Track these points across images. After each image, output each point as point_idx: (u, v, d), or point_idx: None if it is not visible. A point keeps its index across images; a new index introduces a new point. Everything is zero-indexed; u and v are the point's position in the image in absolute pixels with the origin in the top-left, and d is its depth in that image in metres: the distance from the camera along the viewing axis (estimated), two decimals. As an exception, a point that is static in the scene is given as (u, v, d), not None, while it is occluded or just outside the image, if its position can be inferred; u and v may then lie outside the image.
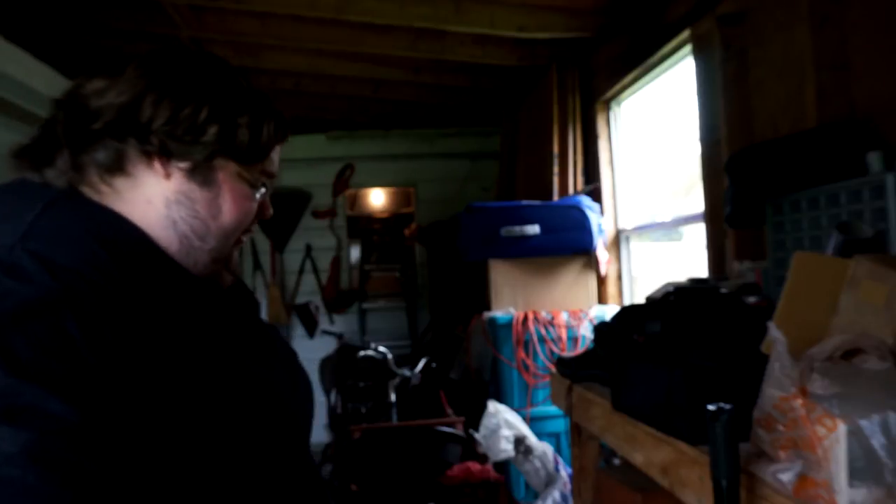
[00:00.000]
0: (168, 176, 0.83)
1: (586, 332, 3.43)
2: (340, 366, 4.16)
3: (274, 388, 0.90)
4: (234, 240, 0.90)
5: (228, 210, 0.86)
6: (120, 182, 0.83)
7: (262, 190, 0.91)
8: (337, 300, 5.97)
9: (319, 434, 4.68)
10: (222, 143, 0.84)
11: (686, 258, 3.47)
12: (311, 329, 5.86)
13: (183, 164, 0.83)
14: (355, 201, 6.76)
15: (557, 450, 3.28)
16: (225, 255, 0.90)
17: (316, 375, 4.73)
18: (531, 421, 3.31)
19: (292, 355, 0.99)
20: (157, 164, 0.82)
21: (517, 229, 3.55)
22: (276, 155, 0.92)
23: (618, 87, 3.59)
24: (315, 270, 5.98)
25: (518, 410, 3.28)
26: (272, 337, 0.97)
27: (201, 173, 0.84)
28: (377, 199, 7.06)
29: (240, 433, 0.80)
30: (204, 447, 0.76)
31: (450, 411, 3.81)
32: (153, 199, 0.83)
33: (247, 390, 0.84)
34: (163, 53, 0.87)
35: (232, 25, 3.91)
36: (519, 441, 3.02)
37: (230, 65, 0.89)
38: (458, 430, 3.45)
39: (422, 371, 3.95)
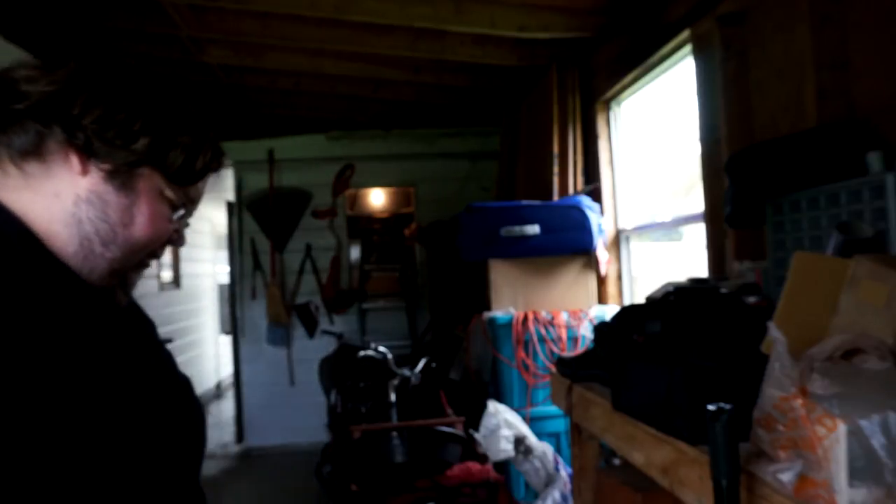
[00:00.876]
0: (84, 173, 0.78)
1: (586, 332, 3.43)
2: (340, 366, 4.15)
3: (157, 414, 0.81)
4: (139, 259, 0.84)
5: (142, 223, 0.82)
6: (32, 167, 0.77)
7: (181, 212, 0.86)
8: (337, 300, 5.98)
9: (319, 434, 4.68)
10: (152, 156, 0.80)
11: (686, 258, 3.47)
12: (311, 329, 5.86)
13: (104, 166, 0.79)
14: (355, 201, 6.76)
15: (557, 450, 3.28)
16: (124, 270, 0.83)
17: (315, 375, 4.74)
18: (531, 421, 3.31)
19: (186, 383, 0.92)
20: (73, 159, 0.78)
21: (517, 229, 3.55)
22: (202, 184, 0.89)
23: (618, 87, 3.59)
24: (315, 270, 5.98)
25: (518, 410, 3.28)
26: (168, 363, 0.90)
27: (121, 177, 0.80)
28: (377, 199, 7.05)
29: (106, 466, 0.72)
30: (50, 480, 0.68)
31: (450, 411, 3.81)
32: (62, 193, 0.78)
33: (121, 414, 0.75)
34: (108, 62, 0.84)
35: (232, 25, 3.90)
36: (519, 441, 3.02)
37: (184, 85, 0.88)
38: (458, 430, 3.45)
39: (422, 371, 3.95)
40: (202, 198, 0.90)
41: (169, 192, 0.83)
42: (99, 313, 0.81)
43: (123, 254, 0.81)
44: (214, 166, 0.88)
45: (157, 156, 0.81)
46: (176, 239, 0.88)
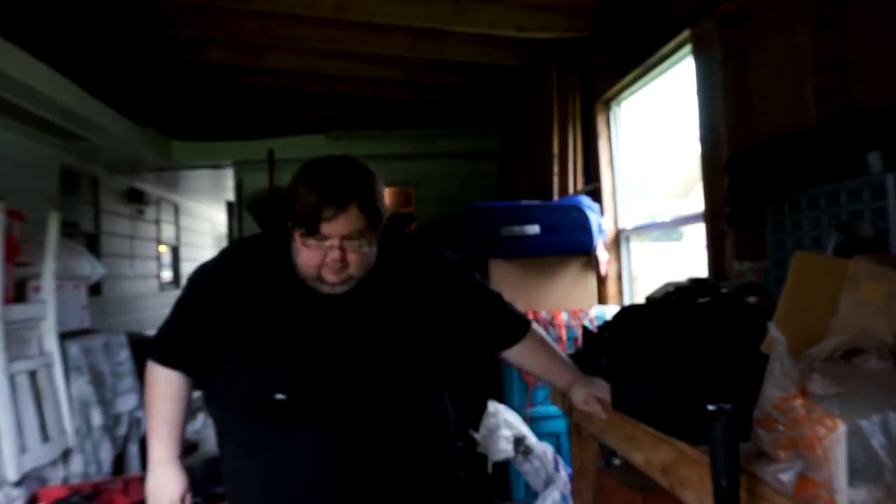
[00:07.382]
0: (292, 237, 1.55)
1: (586, 332, 3.42)
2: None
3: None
4: (315, 273, 1.51)
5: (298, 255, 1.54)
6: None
7: (321, 244, 1.47)
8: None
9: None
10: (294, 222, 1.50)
11: (686, 258, 3.47)
12: (310, 329, 5.84)
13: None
14: (355, 201, 6.76)
15: (557, 450, 3.27)
16: (314, 277, 1.53)
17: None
18: (531, 421, 3.30)
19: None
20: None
21: (517, 229, 3.55)
22: (328, 226, 1.44)
23: (618, 87, 3.59)
24: (315, 270, 5.97)
25: (518, 410, 3.27)
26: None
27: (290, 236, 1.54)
28: (377, 199, 7.05)
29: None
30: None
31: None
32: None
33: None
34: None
35: (232, 25, 3.91)
36: (519, 441, 3.01)
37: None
38: None
39: (422, 371, 3.94)
40: (341, 232, 1.44)
41: (306, 238, 1.48)
42: (295, 288, 1.55)
43: (302, 270, 1.53)
44: (325, 216, 1.43)
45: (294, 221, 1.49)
46: (330, 261, 1.48)
